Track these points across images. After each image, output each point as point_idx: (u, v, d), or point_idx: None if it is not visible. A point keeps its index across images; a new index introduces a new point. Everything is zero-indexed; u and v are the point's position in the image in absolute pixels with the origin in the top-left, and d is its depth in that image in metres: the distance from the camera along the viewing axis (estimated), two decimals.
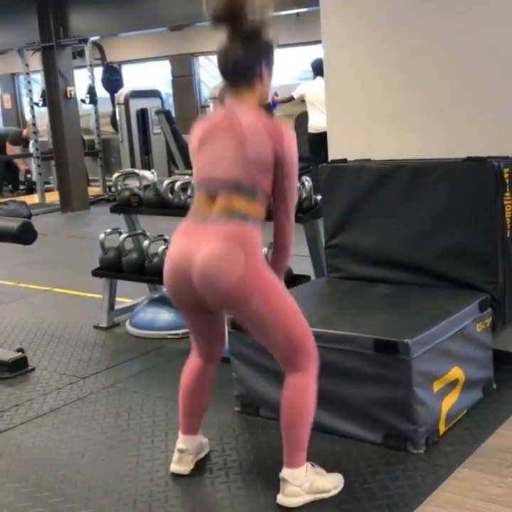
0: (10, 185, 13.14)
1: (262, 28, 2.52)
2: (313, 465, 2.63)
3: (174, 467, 2.87)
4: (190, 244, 2.52)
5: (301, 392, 2.56)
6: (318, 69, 8.80)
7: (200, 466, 2.90)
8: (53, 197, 11.43)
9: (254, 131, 2.48)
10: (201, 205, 2.57)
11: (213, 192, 2.53)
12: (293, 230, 2.66)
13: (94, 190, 11.75)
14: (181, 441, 2.87)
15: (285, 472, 2.58)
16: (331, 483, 2.65)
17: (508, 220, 3.37)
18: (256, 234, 2.51)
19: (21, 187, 13.14)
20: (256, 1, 2.45)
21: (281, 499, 2.58)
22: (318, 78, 8.73)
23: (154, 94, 11.45)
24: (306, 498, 2.57)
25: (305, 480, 2.57)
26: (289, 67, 12.18)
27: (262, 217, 2.55)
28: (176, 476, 2.85)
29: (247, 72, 2.53)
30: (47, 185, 12.04)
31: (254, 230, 2.50)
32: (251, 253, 2.46)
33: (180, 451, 2.86)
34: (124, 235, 4.85)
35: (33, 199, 11.58)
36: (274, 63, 2.59)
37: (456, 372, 3.10)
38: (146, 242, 4.69)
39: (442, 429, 3.01)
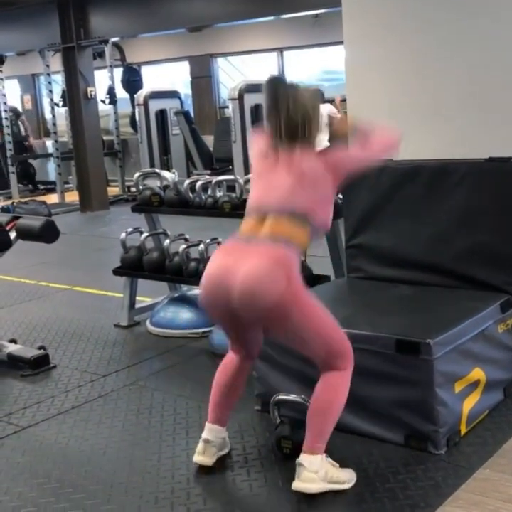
0: (30, 185, 13.24)
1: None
2: (327, 456, 2.69)
3: (198, 458, 2.91)
4: (231, 261, 2.61)
5: (335, 386, 2.68)
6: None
7: (222, 464, 2.92)
8: (72, 197, 11.51)
9: (312, 169, 2.65)
10: (248, 228, 2.69)
11: (263, 216, 2.66)
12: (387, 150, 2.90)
13: (113, 191, 11.81)
14: (207, 432, 2.91)
15: (302, 457, 2.65)
16: (345, 476, 2.71)
17: None
18: (295, 259, 2.61)
19: (41, 187, 13.24)
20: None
21: (297, 484, 2.64)
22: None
23: (173, 95, 11.49)
24: (322, 485, 2.63)
25: (321, 468, 2.63)
26: (307, 68, 12.19)
27: (305, 247, 2.70)
28: (198, 474, 2.87)
29: (299, 134, 2.67)
30: (66, 185, 12.12)
31: (295, 255, 2.61)
32: (291, 272, 2.55)
33: (205, 441, 2.90)
34: (145, 234, 4.88)
35: (53, 199, 11.67)
36: (321, 117, 2.76)
37: (478, 373, 3.09)
38: (166, 242, 4.72)
39: (463, 429, 3.01)
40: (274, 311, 2.52)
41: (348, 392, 2.68)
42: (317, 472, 2.62)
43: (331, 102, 9.26)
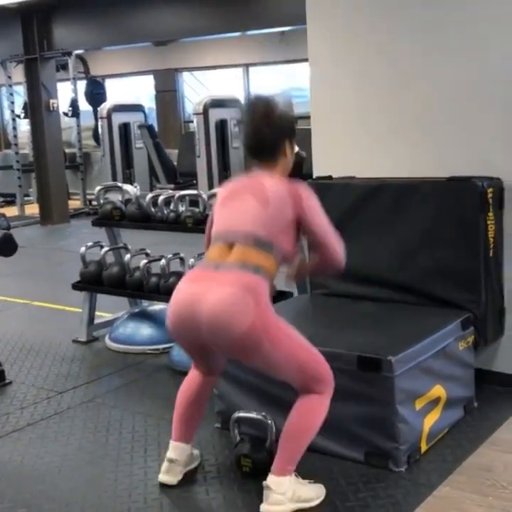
0: None
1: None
2: (296, 475, 2.65)
3: (162, 477, 2.86)
4: (198, 290, 2.56)
5: (311, 410, 2.64)
6: None
7: (181, 482, 2.86)
8: (33, 209, 11.36)
9: (276, 194, 2.64)
10: (215, 254, 2.66)
11: (230, 243, 2.63)
12: (337, 255, 2.75)
13: (74, 204, 11.68)
14: (171, 450, 2.87)
15: (270, 479, 2.61)
16: (313, 492, 2.69)
17: (490, 239, 3.39)
18: (265, 285, 2.57)
19: (0, 199, 13.03)
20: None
21: (266, 508, 2.60)
22: None
23: (137, 108, 11.44)
24: (290, 506, 2.60)
25: (288, 488, 2.59)
26: (272, 85, 12.25)
27: (274, 274, 2.64)
28: (155, 492, 2.81)
29: (272, 150, 2.71)
30: (26, 198, 11.96)
31: (264, 282, 2.57)
32: (260, 300, 2.51)
33: (170, 461, 2.85)
34: (105, 249, 4.81)
35: (12, 211, 11.48)
36: (296, 139, 2.76)
37: (438, 391, 3.10)
38: (127, 256, 4.66)
39: (424, 447, 3.00)
40: (244, 340, 2.48)
41: (324, 416, 2.65)
42: (284, 493, 2.59)
43: None
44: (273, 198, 2.62)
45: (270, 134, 2.67)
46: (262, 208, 2.61)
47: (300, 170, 7.82)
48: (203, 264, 2.70)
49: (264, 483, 2.61)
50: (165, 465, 2.86)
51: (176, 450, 2.85)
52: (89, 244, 4.87)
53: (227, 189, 2.80)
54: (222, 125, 9.43)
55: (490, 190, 3.37)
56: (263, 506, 2.61)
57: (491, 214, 3.39)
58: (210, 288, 2.52)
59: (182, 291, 2.63)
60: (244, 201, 2.66)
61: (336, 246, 2.74)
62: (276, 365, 2.59)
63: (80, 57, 11.72)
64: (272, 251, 2.60)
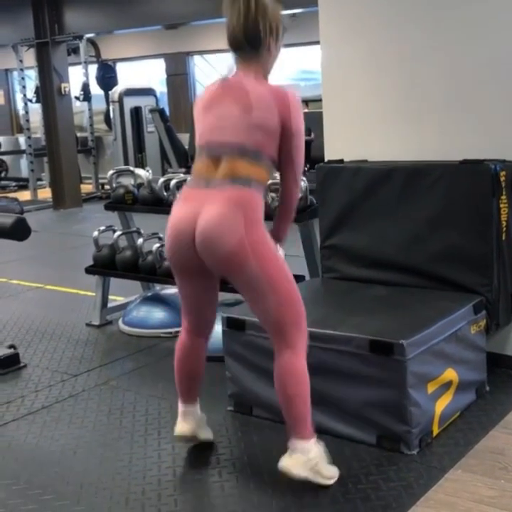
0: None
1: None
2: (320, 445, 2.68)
3: (178, 428, 2.94)
4: (192, 209, 2.57)
5: (292, 369, 2.61)
6: None
7: (193, 465, 2.90)
8: (45, 194, 11.40)
9: (260, 98, 2.53)
10: (204, 169, 2.61)
11: (217, 156, 2.57)
12: (299, 193, 2.77)
13: (86, 188, 11.72)
14: (179, 407, 2.97)
15: (295, 443, 2.62)
16: (330, 472, 2.70)
17: (503, 222, 3.38)
18: (258, 199, 2.56)
19: (13, 184, 13.08)
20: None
21: (288, 462, 2.62)
22: None
23: (149, 92, 11.43)
24: (308, 474, 2.62)
25: (314, 457, 2.62)
26: (284, 68, 12.19)
27: (266, 182, 2.63)
28: (169, 474, 2.84)
29: (255, 41, 2.56)
30: (39, 182, 12.00)
31: (257, 194, 2.55)
32: (251, 218, 2.51)
33: (183, 413, 2.95)
34: (118, 233, 4.83)
35: (25, 196, 11.53)
36: (281, 39, 2.65)
37: (450, 374, 3.10)
38: (140, 240, 4.68)
39: (436, 430, 3.01)
40: (231, 257, 2.50)
41: (306, 369, 2.61)
42: (310, 460, 2.61)
43: None
44: (256, 103, 2.52)
45: (256, 22, 2.53)
46: (246, 114, 2.51)
47: (308, 152, 7.72)
48: (193, 181, 2.66)
49: (289, 443, 2.63)
50: (179, 417, 2.94)
51: (183, 405, 2.95)
52: (102, 228, 4.89)
53: (208, 94, 2.66)
54: None
55: (502, 173, 3.35)
56: (285, 460, 2.62)
57: (503, 197, 3.37)
58: (203, 207, 2.53)
59: (176, 214, 2.63)
60: (226, 108, 2.56)
61: (300, 170, 2.66)
62: (258, 287, 2.54)
63: (91, 41, 11.70)
64: (261, 160, 2.54)
